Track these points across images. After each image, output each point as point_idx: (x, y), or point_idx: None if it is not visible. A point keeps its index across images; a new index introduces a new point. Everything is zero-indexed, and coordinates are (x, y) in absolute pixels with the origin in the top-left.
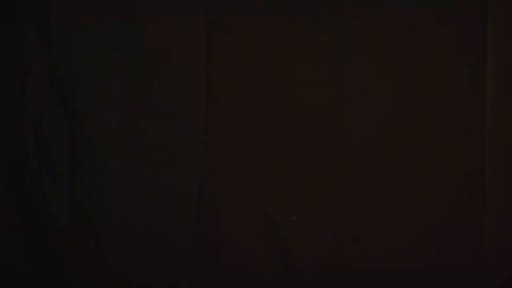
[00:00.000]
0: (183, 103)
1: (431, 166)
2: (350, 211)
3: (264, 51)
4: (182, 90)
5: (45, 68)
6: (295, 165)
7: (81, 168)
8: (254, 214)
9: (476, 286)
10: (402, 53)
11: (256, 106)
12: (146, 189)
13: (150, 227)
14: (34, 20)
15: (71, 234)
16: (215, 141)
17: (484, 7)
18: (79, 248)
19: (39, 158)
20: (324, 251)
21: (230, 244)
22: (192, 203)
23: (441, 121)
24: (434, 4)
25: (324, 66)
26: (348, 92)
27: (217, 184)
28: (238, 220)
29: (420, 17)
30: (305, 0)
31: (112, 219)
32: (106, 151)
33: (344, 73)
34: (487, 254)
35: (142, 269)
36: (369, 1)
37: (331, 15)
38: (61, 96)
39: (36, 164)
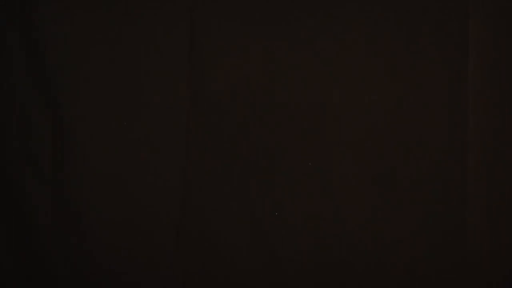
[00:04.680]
0: (168, 99)
1: (418, 165)
2: (338, 208)
3: (251, 48)
4: (168, 85)
5: (29, 66)
6: (282, 162)
7: (65, 163)
8: (240, 210)
9: (462, 280)
10: (387, 47)
11: (242, 103)
12: (130, 185)
13: (134, 222)
14: (17, 18)
15: (54, 229)
16: (201, 138)
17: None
18: (63, 243)
19: (22, 153)
20: (311, 247)
21: (215, 240)
22: (177, 199)
23: (426, 119)
24: None
25: (310, 60)
26: (336, 88)
27: (203, 180)
28: (223, 217)
29: (404, 9)
30: None
31: (95, 214)
32: (90, 147)
33: (330, 68)
34: (471, 251)
35: (126, 264)
36: None
37: (316, 8)
38: (45, 93)
39: (19, 159)
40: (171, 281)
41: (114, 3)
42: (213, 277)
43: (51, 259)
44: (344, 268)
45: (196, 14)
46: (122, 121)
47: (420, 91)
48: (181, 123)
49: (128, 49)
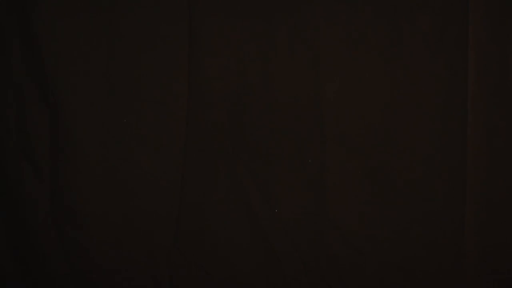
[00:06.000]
0: (167, 96)
1: (413, 159)
2: (333, 204)
3: (245, 43)
4: (165, 81)
5: (27, 63)
6: (277, 158)
7: (62, 159)
8: (237, 207)
9: (459, 278)
10: (381, 42)
11: (241, 100)
12: (127, 181)
13: (131, 219)
14: (14, 12)
15: (52, 225)
16: (197, 134)
17: None
18: (60, 239)
19: (20, 151)
20: (307, 244)
21: (213, 237)
22: (174, 195)
23: (422, 114)
24: None
25: (304, 56)
26: (329, 83)
27: (199, 177)
28: (221, 213)
29: (400, 4)
30: None
31: (93, 210)
32: (88, 144)
33: (323, 63)
34: (469, 247)
35: (123, 261)
36: None
37: (310, 2)
38: (43, 90)
39: (17, 157)
40: (168, 277)
41: (113, 0)
42: (212, 274)
43: (49, 257)
44: (341, 264)
45: (196, 11)
46: (121, 118)
47: (417, 87)
48: (179, 120)
49: (128, 45)
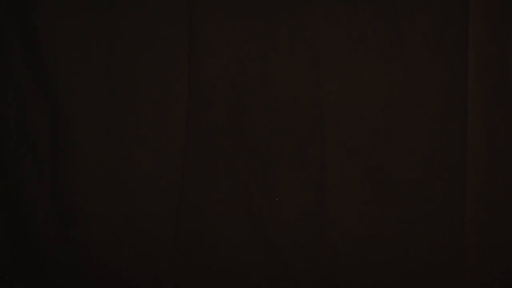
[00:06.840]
0: (167, 96)
1: (413, 159)
2: (333, 204)
3: (245, 43)
4: (165, 81)
5: (27, 61)
6: (277, 158)
7: (62, 159)
8: (237, 207)
9: (460, 277)
10: (381, 42)
11: (241, 99)
12: (127, 181)
13: (131, 219)
14: (14, 12)
15: (52, 225)
16: (197, 134)
17: None
18: (60, 239)
19: (19, 149)
20: (307, 244)
21: (213, 237)
22: (174, 195)
23: (422, 114)
24: None
25: (304, 56)
26: (329, 83)
27: (199, 177)
28: (221, 213)
29: (400, 4)
30: None
31: (93, 210)
32: (87, 142)
33: (323, 63)
34: (470, 249)
35: (123, 261)
36: None
37: (310, 2)
38: (43, 89)
39: (17, 155)
40: (169, 277)
41: (113, 0)
42: (213, 272)
43: (49, 257)
44: (341, 264)
45: (196, 11)
46: (121, 118)
47: (417, 87)
48: (179, 120)
49: (128, 45)
